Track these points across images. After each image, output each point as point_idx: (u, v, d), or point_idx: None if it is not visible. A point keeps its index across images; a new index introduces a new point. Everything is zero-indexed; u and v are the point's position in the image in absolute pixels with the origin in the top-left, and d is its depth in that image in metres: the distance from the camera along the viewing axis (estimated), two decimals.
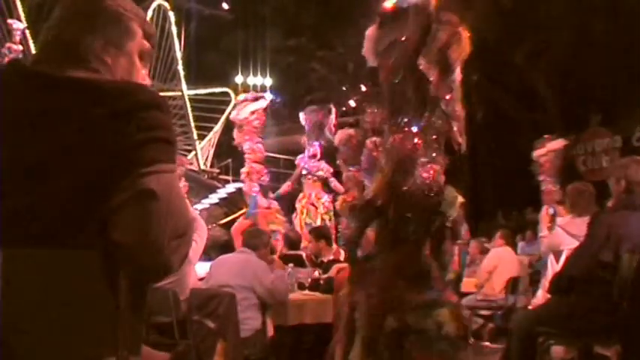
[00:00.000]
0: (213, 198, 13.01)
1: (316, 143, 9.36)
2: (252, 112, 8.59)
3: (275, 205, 8.61)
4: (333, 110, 9.50)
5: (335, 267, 5.46)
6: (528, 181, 9.13)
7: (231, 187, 13.13)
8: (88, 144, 1.21)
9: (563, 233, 4.78)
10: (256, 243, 4.92)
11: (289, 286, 5.02)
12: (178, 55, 17.35)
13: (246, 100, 8.81)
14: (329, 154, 9.12)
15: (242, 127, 8.61)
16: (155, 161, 1.23)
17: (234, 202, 12.45)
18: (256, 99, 8.84)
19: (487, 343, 7.26)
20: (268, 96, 9.71)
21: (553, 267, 4.92)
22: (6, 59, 11.72)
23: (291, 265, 5.66)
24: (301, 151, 9.74)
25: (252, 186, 8.51)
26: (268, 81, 17.72)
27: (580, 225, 4.03)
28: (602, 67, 14.54)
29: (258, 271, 4.63)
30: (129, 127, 1.22)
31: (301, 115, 9.55)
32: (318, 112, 9.34)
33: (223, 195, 13.05)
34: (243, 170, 8.74)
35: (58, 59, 1.33)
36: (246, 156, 8.70)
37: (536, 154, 8.69)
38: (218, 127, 17.57)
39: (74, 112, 1.23)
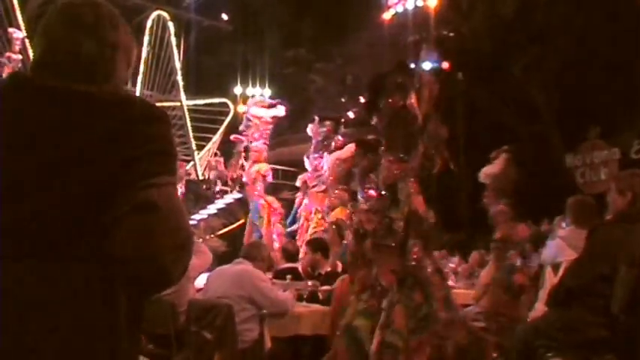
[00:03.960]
0: (212, 209, 12.96)
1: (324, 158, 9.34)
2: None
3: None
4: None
5: (339, 279, 5.44)
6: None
7: (229, 198, 13.09)
8: (88, 156, 1.21)
9: (562, 244, 4.75)
10: (255, 254, 4.88)
11: (293, 297, 5.00)
12: (177, 65, 17.40)
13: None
14: None
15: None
16: (155, 174, 1.23)
17: (232, 212, 12.43)
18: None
19: None
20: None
21: (550, 279, 4.89)
22: (5, 68, 11.76)
23: (289, 276, 5.65)
24: (300, 162, 9.71)
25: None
26: (267, 92, 17.77)
27: (581, 237, 4.00)
28: (601, 79, 14.58)
29: (256, 281, 4.57)
30: (130, 139, 1.23)
31: (309, 128, 9.57)
32: (327, 127, 9.37)
33: (221, 206, 13.00)
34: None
35: (57, 69, 1.33)
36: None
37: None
38: (217, 138, 17.58)
39: (75, 124, 1.24)
